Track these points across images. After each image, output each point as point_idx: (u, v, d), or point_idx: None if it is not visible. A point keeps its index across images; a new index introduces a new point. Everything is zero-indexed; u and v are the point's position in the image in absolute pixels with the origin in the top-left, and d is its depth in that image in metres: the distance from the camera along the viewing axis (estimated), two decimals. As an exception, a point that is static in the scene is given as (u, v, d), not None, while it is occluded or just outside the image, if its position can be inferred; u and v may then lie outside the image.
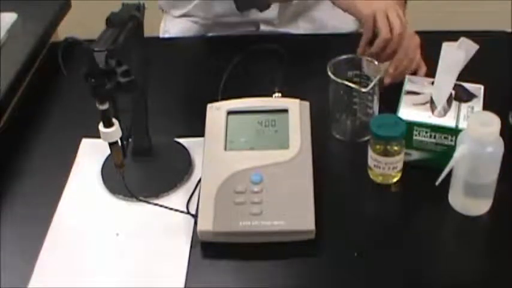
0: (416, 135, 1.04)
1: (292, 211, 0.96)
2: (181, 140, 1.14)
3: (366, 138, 1.05)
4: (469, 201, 0.99)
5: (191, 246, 0.97)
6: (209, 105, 1.11)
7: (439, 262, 0.94)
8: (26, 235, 1.01)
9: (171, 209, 1.02)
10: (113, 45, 0.91)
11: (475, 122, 0.94)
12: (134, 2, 1.00)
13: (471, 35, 1.07)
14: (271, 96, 1.15)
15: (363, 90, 1.06)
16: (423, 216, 1.02)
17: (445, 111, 1.05)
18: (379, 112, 1.11)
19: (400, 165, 1.04)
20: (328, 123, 1.12)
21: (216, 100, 1.13)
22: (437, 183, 0.97)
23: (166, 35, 1.51)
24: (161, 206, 1.02)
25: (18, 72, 1.26)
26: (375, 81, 1.07)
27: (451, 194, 1.01)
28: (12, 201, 1.07)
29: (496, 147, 0.94)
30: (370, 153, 1.03)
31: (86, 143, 1.15)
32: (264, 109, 1.10)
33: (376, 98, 1.10)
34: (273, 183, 0.99)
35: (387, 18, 1.15)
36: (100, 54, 0.88)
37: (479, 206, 1.00)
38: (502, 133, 0.94)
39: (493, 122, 0.94)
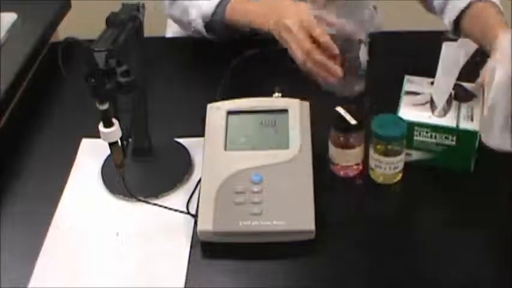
0: (417, 136, 1.04)
1: (292, 211, 0.96)
2: (181, 140, 1.14)
3: (357, 88, 1.12)
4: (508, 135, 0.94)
5: (191, 246, 0.97)
6: (209, 105, 1.11)
7: (440, 262, 0.94)
8: (26, 235, 1.01)
9: (170, 209, 1.02)
10: (113, 45, 0.91)
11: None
12: (134, 2, 1.01)
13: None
14: (271, 96, 1.15)
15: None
16: (423, 216, 1.02)
17: (445, 111, 1.05)
18: (379, 112, 1.11)
19: (401, 166, 1.04)
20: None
21: (216, 100, 1.13)
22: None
23: (169, 35, 1.51)
24: (161, 206, 1.02)
25: (18, 72, 1.26)
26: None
27: (484, 129, 0.94)
28: (12, 201, 1.07)
29: None
30: (371, 153, 1.03)
31: (86, 143, 1.15)
32: (264, 109, 1.10)
33: (363, 47, 1.13)
34: (273, 183, 0.99)
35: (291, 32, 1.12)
36: (100, 54, 0.88)
37: None
38: None
39: None
